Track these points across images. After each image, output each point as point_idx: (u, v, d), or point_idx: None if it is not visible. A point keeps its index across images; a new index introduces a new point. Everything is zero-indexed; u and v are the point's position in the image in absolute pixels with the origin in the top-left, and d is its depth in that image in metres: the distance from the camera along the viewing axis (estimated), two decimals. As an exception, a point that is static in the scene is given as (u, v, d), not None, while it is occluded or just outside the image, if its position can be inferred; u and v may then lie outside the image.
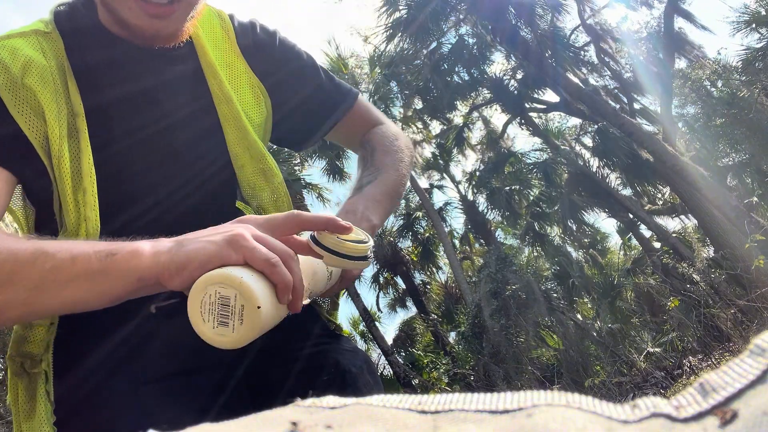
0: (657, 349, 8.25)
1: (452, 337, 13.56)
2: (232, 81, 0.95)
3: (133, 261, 0.59)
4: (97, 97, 0.84)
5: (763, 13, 11.64)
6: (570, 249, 13.61)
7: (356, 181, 1.00)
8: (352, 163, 18.43)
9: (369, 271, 15.31)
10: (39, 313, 0.65)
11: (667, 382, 6.47)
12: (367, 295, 16.37)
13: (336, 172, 13.88)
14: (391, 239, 14.80)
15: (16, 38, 0.82)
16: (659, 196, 14.33)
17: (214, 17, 1.00)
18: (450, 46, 12.46)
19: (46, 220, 0.84)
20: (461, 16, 11.90)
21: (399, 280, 15.27)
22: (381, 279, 15.34)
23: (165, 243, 0.61)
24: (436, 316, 13.82)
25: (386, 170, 1.00)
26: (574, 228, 12.98)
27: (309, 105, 1.05)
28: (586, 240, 13.98)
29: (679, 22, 12.03)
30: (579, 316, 11.97)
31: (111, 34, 0.86)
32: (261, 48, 1.01)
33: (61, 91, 0.81)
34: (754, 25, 11.84)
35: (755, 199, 11.83)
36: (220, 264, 0.57)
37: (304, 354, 0.92)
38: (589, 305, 12.83)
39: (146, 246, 0.61)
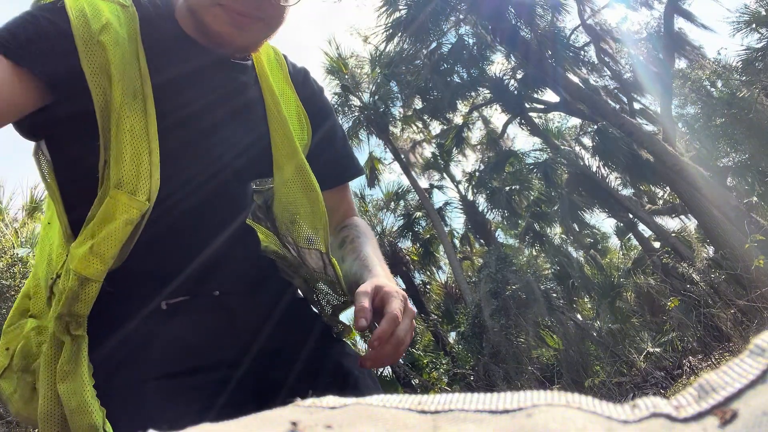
0: (657, 349, 8.26)
1: (452, 337, 13.56)
2: (283, 105, 1.00)
3: None
4: (161, 78, 0.86)
5: (763, 13, 11.64)
6: (570, 249, 13.61)
7: (358, 252, 1.02)
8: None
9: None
10: None
11: (667, 382, 6.48)
12: (367, 295, 16.31)
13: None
14: (391, 239, 14.80)
15: (99, 1, 0.85)
16: (659, 196, 14.33)
17: (271, 50, 1.07)
18: (450, 46, 12.46)
19: (73, 177, 0.85)
20: (461, 16, 11.90)
21: (399, 280, 15.27)
22: (381, 279, 15.31)
23: None
24: (436, 316, 13.82)
25: (379, 254, 1.05)
26: (575, 228, 12.99)
27: (334, 157, 1.10)
28: (586, 240, 13.98)
29: (680, 22, 12.04)
30: (579, 316, 11.97)
31: (185, 34, 0.90)
32: (309, 91, 1.09)
33: (130, 59, 0.83)
34: (754, 25, 11.85)
35: (755, 199, 11.83)
36: None
37: (305, 356, 0.93)
38: (589, 305, 12.83)
39: None
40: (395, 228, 15.18)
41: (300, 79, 1.08)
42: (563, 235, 13.91)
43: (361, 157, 14.91)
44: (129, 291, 0.85)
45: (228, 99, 0.94)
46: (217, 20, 0.83)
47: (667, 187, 12.33)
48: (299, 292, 1.05)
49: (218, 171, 0.91)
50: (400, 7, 11.97)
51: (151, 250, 0.84)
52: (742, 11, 12.07)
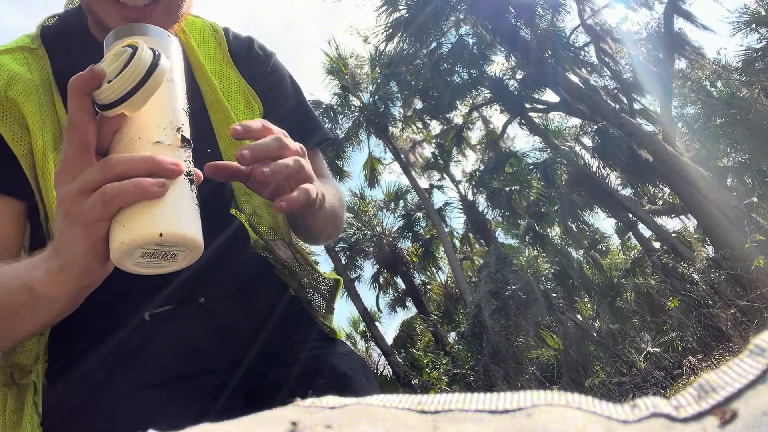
0: (657, 349, 8.26)
1: (452, 337, 13.57)
2: (224, 90, 0.94)
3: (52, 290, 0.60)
4: None
5: (763, 13, 11.64)
6: (570, 249, 13.61)
7: None
8: (352, 162, 18.45)
9: (369, 271, 15.33)
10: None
11: (667, 382, 6.48)
12: (367, 295, 16.41)
13: (335, 171, 13.88)
14: (391, 239, 14.80)
15: (2, 55, 0.83)
16: (659, 196, 14.33)
17: (208, 30, 1.00)
18: (450, 46, 12.46)
19: (34, 230, 0.83)
20: (461, 16, 11.91)
21: (399, 281, 15.28)
22: (381, 279, 15.35)
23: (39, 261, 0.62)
24: (436, 317, 13.82)
25: (339, 197, 0.98)
26: (575, 228, 12.99)
27: (289, 122, 0.96)
28: (586, 240, 13.99)
29: (679, 23, 12.05)
30: (579, 316, 11.97)
31: (97, 41, 0.85)
32: (253, 59, 1.01)
33: (46, 104, 0.81)
34: (754, 26, 11.85)
35: (755, 199, 11.84)
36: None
37: (300, 358, 0.92)
38: (589, 305, 12.84)
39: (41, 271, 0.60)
40: (395, 228, 15.19)
41: (244, 53, 1.01)
42: (563, 235, 13.91)
43: (361, 157, 14.92)
44: (109, 305, 0.84)
45: None
46: (111, 17, 0.77)
47: (667, 187, 12.33)
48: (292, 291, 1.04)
49: None
50: (400, 7, 11.98)
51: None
52: (742, 11, 12.07)
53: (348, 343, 1.06)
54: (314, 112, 1.08)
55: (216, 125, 0.92)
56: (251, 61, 1.00)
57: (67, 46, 0.86)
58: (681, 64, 12.88)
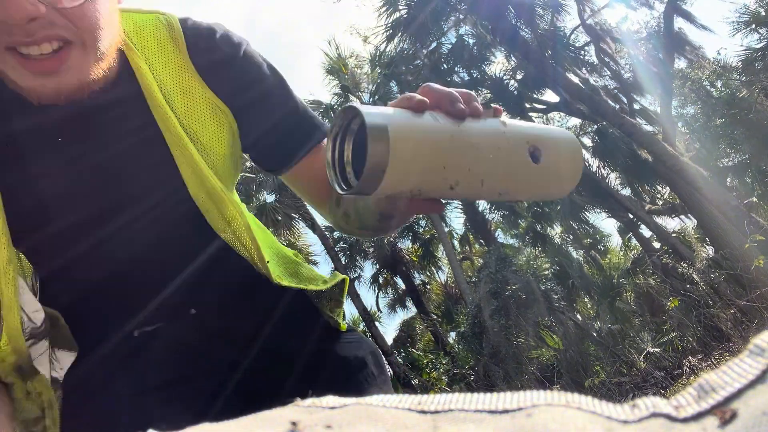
0: (657, 350, 8.25)
1: (452, 337, 13.57)
2: (189, 108, 0.82)
3: None
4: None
5: (763, 13, 11.64)
6: (570, 249, 13.61)
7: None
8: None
9: (369, 271, 15.32)
10: None
11: (667, 382, 6.48)
12: (367, 295, 16.37)
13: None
14: (391, 239, 14.80)
15: None
16: (659, 196, 14.33)
17: (162, 27, 0.84)
18: (450, 46, 12.46)
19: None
20: (461, 16, 11.90)
21: (399, 281, 15.27)
22: (381, 279, 15.35)
23: None
24: (435, 316, 13.82)
25: None
26: (576, 228, 12.99)
27: (278, 131, 0.88)
28: (586, 240, 13.98)
29: (679, 23, 12.05)
30: (579, 316, 11.97)
31: (14, 93, 0.72)
32: (221, 63, 0.85)
33: None
34: (753, 26, 11.85)
35: (755, 199, 11.83)
36: None
37: (302, 353, 0.91)
38: (589, 305, 12.83)
39: None
40: (395, 228, 15.17)
41: (207, 52, 0.84)
42: (563, 235, 13.91)
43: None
44: (103, 316, 0.84)
45: (111, 145, 0.78)
46: (18, 74, 0.67)
47: (667, 187, 12.33)
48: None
49: (135, 217, 0.80)
50: (400, 7, 11.97)
51: (108, 292, 0.83)
52: (742, 11, 12.07)
53: (353, 330, 1.03)
54: (303, 107, 0.93)
55: (179, 164, 0.80)
56: (218, 63, 0.85)
57: None
58: (681, 63, 12.89)
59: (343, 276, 1.04)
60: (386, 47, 12.69)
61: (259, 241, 0.85)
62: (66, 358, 0.80)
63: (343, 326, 0.99)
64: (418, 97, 0.57)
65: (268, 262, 0.87)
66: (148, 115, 0.79)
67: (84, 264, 0.81)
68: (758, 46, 11.57)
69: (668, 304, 7.89)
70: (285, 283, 0.88)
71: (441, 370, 10.56)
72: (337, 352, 0.94)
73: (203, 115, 0.83)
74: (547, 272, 12.19)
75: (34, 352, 0.75)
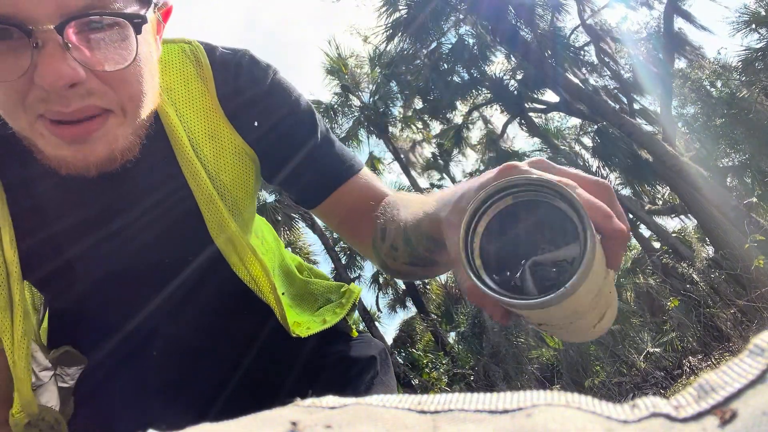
0: (657, 349, 8.26)
1: (452, 337, 13.56)
2: (217, 155, 0.78)
3: None
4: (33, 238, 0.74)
5: (763, 13, 11.63)
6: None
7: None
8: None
9: (369, 270, 15.32)
10: None
11: (667, 382, 6.48)
12: (367, 295, 16.39)
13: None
14: (391, 239, 14.79)
15: None
16: (659, 196, 14.33)
17: (189, 63, 0.79)
18: (450, 46, 12.45)
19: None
20: (461, 16, 11.89)
21: (399, 280, 15.26)
22: (381, 279, 15.35)
23: None
24: (436, 316, 13.82)
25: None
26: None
27: (303, 169, 0.84)
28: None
29: (679, 23, 12.05)
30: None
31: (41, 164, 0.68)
32: (249, 104, 0.81)
33: None
34: (753, 26, 11.85)
35: (755, 199, 11.83)
36: None
37: (305, 355, 0.91)
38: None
39: None
40: (395, 228, 15.17)
41: (233, 96, 0.79)
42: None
43: (361, 157, 14.83)
44: (97, 326, 0.85)
45: (127, 209, 0.76)
46: (48, 143, 0.62)
47: (667, 187, 12.33)
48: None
49: (151, 270, 0.80)
50: (400, 7, 11.97)
51: (113, 299, 0.83)
52: (742, 11, 12.07)
53: (360, 329, 1.04)
54: (331, 138, 0.87)
55: (201, 208, 0.77)
56: (244, 102, 0.80)
57: (8, 150, 0.71)
58: (681, 64, 12.88)
59: (359, 289, 1.05)
60: (386, 47, 12.69)
61: (275, 281, 0.84)
62: (73, 369, 0.81)
63: (354, 333, 0.99)
64: (620, 226, 0.45)
65: (283, 298, 0.87)
66: (176, 170, 0.76)
67: (98, 290, 0.81)
68: (758, 46, 11.56)
69: (668, 304, 7.89)
70: (303, 333, 0.87)
71: (441, 370, 10.56)
72: (345, 353, 0.93)
73: (230, 162, 0.79)
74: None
75: (39, 394, 0.77)
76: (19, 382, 0.69)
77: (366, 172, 0.87)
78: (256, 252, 0.82)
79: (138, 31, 0.61)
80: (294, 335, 0.86)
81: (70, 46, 0.56)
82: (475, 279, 0.44)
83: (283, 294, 0.89)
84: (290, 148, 0.83)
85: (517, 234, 0.45)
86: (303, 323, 0.90)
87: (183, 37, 0.82)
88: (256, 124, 0.80)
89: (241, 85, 0.80)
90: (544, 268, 0.44)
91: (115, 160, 0.67)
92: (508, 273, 0.45)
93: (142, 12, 0.61)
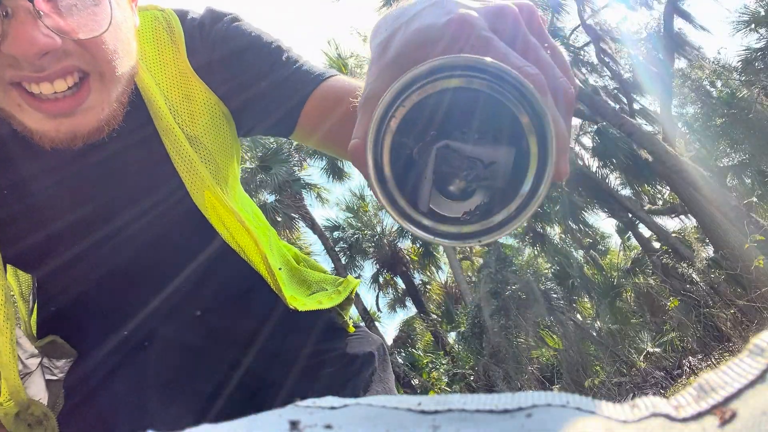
0: (657, 349, 8.26)
1: (452, 337, 13.56)
2: (192, 116, 0.78)
3: None
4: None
5: (763, 13, 11.64)
6: (570, 249, 13.61)
7: None
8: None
9: (369, 270, 15.33)
10: None
11: (667, 382, 6.47)
12: (367, 295, 16.40)
13: (335, 172, 13.88)
14: (391, 239, 14.80)
15: None
16: (659, 196, 14.32)
17: (162, 29, 0.79)
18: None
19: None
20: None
21: (399, 280, 15.27)
22: (381, 279, 15.35)
23: None
24: (435, 316, 13.82)
25: None
26: (575, 228, 12.98)
27: (272, 93, 0.82)
28: (586, 240, 13.99)
29: (679, 23, 12.05)
30: (579, 316, 11.97)
31: (17, 136, 0.66)
32: (215, 57, 0.80)
33: None
34: (753, 26, 11.85)
35: (755, 199, 11.82)
36: None
37: (306, 354, 0.91)
38: (589, 305, 12.83)
39: None
40: (395, 228, 15.17)
41: (203, 54, 0.79)
42: (562, 235, 13.91)
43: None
44: (97, 325, 0.84)
45: (111, 181, 0.75)
46: (29, 116, 0.59)
47: (667, 188, 12.32)
48: None
49: (142, 228, 0.79)
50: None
51: (110, 292, 0.82)
52: (742, 11, 12.07)
53: (359, 327, 1.03)
54: (300, 60, 0.83)
55: (186, 180, 0.77)
56: (213, 59, 0.80)
57: None
58: (681, 63, 12.89)
59: (356, 281, 1.04)
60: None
61: (267, 254, 0.83)
62: (62, 362, 0.80)
63: (351, 328, 0.99)
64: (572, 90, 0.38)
65: (281, 271, 0.85)
66: (156, 136, 0.75)
67: (86, 268, 0.80)
68: (758, 45, 11.57)
69: (668, 304, 7.89)
70: (299, 307, 0.86)
71: (441, 371, 10.56)
72: (344, 350, 0.93)
73: (207, 122, 0.79)
74: (546, 272, 12.20)
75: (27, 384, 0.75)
76: (5, 368, 0.67)
77: (341, 77, 0.82)
78: (241, 217, 0.80)
79: None
80: (291, 307, 0.85)
81: (42, 13, 0.54)
82: (377, 186, 0.36)
83: (279, 269, 0.88)
84: (254, 79, 0.80)
85: (441, 108, 0.36)
86: (298, 298, 0.89)
87: (155, 5, 0.81)
88: (223, 76, 0.79)
89: (207, 43, 0.80)
90: (453, 155, 0.36)
91: (102, 130, 0.65)
92: (411, 141, 0.37)
93: None
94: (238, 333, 0.90)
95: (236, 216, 0.79)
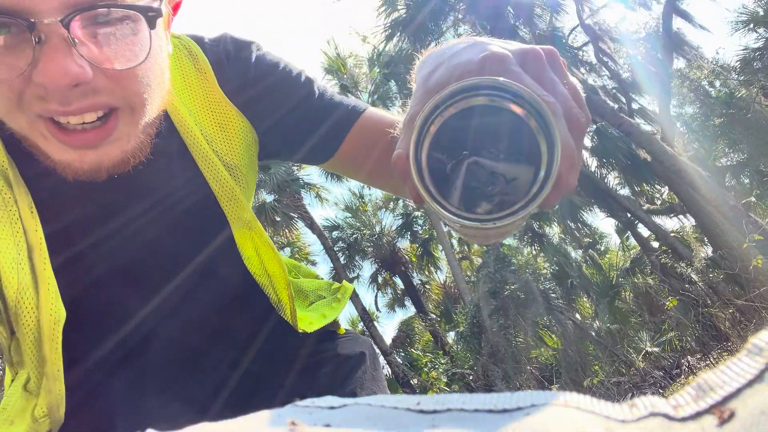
0: (655, 349, 8.27)
1: (451, 337, 13.57)
2: (229, 143, 0.77)
3: None
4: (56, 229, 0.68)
5: (761, 13, 11.65)
6: (569, 248, 13.62)
7: None
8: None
9: (368, 270, 15.33)
10: None
11: (666, 381, 6.48)
12: (366, 294, 16.39)
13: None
14: (390, 239, 14.80)
15: None
16: (657, 195, 14.33)
17: (185, 58, 0.77)
18: (449, 46, 12.46)
19: None
20: (460, 16, 11.90)
21: (398, 280, 15.28)
22: (380, 279, 15.36)
23: None
24: (434, 316, 13.82)
25: None
26: (574, 227, 12.99)
27: (313, 124, 0.83)
28: (585, 240, 14.00)
29: (678, 23, 12.07)
30: (578, 315, 11.97)
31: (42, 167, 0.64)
32: (247, 84, 0.80)
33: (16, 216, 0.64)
34: (752, 25, 11.87)
35: (753, 198, 11.83)
36: None
37: (302, 353, 0.91)
38: (588, 305, 12.84)
39: None
40: (394, 228, 15.18)
41: (233, 80, 0.79)
42: (561, 235, 13.92)
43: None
44: (96, 325, 0.82)
45: (142, 214, 0.73)
46: (52, 146, 0.56)
47: (666, 187, 12.34)
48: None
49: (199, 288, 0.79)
50: (399, 7, 11.97)
51: (113, 290, 0.81)
52: (741, 11, 12.09)
53: (350, 330, 1.05)
54: (323, 91, 0.85)
55: (227, 211, 0.76)
56: (242, 83, 0.79)
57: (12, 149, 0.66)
58: (680, 63, 12.90)
59: (350, 286, 1.05)
60: (385, 47, 12.70)
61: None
62: None
63: (342, 330, 1.00)
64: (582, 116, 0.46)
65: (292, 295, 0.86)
66: (191, 166, 0.74)
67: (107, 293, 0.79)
68: (756, 45, 11.58)
69: (667, 303, 7.90)
70: (308, 329, 0.86)
71: (440, 370, 10.57)
72: (336, 350, 0.94)
73: (242, 148, 0.78)
74: (545, 272, 12.21)
75: None
76: (51, 379, 0.63)
77: (374, 110, 0.85)
78: (273, 246, 0.80)
79: (152, 26, 0.55)
80: (300, 331, 0.85)
81: (77, 41, 0.51)
82: (420, 187, 0.42)
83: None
84: (289, 107, 0.81)
85: (472, 127, 0.43)
86: (305, 318, 0.90)
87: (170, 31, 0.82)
88: (257, 102, 0.79)
89: (237, 70, 0.79)
90: (480, 171, 0.43)
91: (127, 162, 0.63)
92: (446, 157, 0.43)
93: (155, 4, 0.56)
94: (237, 334, 0.90)
95: (272, 246, 0.79)
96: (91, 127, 0.55)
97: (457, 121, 0.42)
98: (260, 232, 0.79)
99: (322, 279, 1.11)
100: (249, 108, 0.79)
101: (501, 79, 0.40)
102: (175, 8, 0.68)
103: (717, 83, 12.61)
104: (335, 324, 0.99)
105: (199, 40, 0.79)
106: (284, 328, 0.91)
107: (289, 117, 0.81)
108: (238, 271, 0.82)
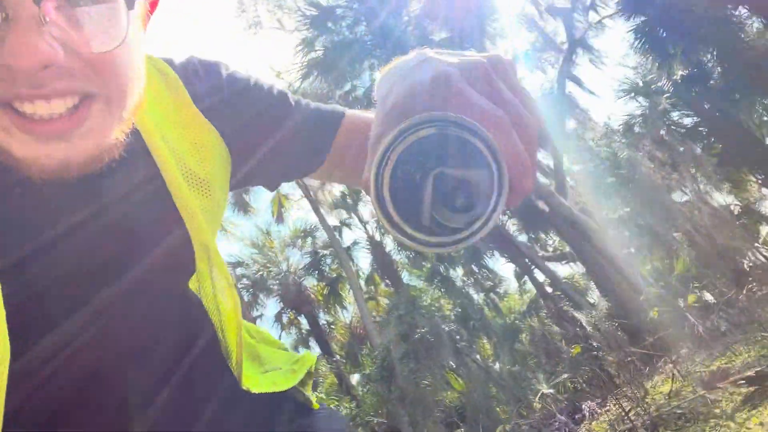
0: (550, 390, 8.71)
1: (355, 378, 13.42)
2: (202, 161, 0.73)
3: None
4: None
5: (641, 84, 13.21)
6: (471, 291, 14.15)
7: None
8: (258, 197, 17.97)
9: (272, 309, 14.88)
10: None
11: (569, 426, 6.82)
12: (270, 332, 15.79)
13: (241, 205, 13.50)
14: (296, 278, 14.51)
15: None
16: (550, 243, 15.41)
17: (154, 77, 0.72)
18: (364, 89, 12.78)
19: None
20: (375, 62, 12.32)
21: (303, 320, 14.94)
22: (284, 318, 14.93)
23: None
24: (339, 357, 13.63)
25: None
26: (476, 271, 13.55)
27: (299, 135, 0.81)
28: (486, 283, 14.63)
29: (570, 87, 13.35)
30: (478, 356, 12.36)
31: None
32: (221, 103, 0.77)
33: None
34: (632, 95, 13.42)
35: (632, 249, 13.09)
36: None
37: (277, 430, 0.84)
38: (488, 347, 13.32)
39: None
40: (301, 266, 14.93)
41: (200, 90, 0.75)
42: (464, 278, 14.44)
43: (269, 193, 14.61)
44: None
45: (110, 225, 0.65)
46: (15, 140, 0.49)
47: (558, 236, 13.31)
48: None
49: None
50: (317, 48, 12.17)
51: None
52: (623, 81, 13.64)
53: (323, 407, 0.99)
54: (309, 103, 0.85)
55: (185, 219, 0.70)
56: (215, 101, 0.76)
57: None
58: (571, 124, 14.19)
59: (313, 357, 0.99)
60: (301, 84, 12.79)
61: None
62: None
63: (316, 405, 0.94)
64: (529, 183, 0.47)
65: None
66: (158, 181, 0.68)
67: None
68: (637, 112, 13.09)
69: (563, 346, 8.39)
70: (252, 388, 0.79)
71: (345, 414, 10.37)
72: (313, 428, 0.88)
73: (215, 164, 0.74)
74: (449, 314, 12.55)
75: None
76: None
77: (351, 111, 0.85)
78: (230, 279, 0.75)
79: (130, 6, 0.51)
80: (244, 388, 0.78)
81: (48, 20, 0.46)
82: (384, 219, 0.45)
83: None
84: (272, 128, 0.79)
85: (428, 146, 0.46)
86: (252, 377, 0.82)
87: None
88: (234, 122, 0.76)
89: (208, 88, 0.76)
90: (447, 179, 0.46)
91: (100, 159, 0.55)
92: (414, 170, 0.46)
93: None
94: (206, 413, 0.79)
95: (228, 278, 0.74)
96: (59, 116, 0.49)
97: (418, 144, 0.45)
98: (223, 270, 0.73)
99: (287, 350, 1.04)
100: (226, 126, 0.75)
101: (440, 113, 0.44)
102: (153, 5, 0.64)
103: (604, 145, 14.01)
104: (307, 399, 0.92)
105: (168, 61, 0.76)
106: (246, 405, 0.82)
107: (269, 133, 0.79)
108: (187, 303, 0.76)
